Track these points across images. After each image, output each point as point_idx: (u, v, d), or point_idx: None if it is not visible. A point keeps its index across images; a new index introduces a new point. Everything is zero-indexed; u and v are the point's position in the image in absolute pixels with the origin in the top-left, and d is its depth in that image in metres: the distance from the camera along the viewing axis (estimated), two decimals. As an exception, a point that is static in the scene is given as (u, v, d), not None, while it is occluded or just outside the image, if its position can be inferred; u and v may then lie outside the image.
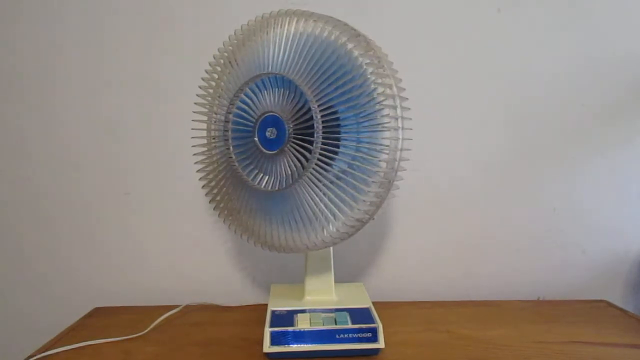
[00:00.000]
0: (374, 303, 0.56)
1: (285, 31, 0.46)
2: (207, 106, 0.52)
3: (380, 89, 0.43)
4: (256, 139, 0.46)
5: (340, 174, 0.45)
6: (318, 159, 0.44)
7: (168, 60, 0.68)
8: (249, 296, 0.70)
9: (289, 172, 0.46)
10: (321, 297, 0.57)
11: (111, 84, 0.69)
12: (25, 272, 0.72)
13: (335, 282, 0.58)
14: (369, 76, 0.43)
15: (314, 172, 0.45)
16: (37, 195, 0.71)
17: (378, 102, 0.43)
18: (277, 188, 0.47)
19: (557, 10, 0.69)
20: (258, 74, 0.46)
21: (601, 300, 0.69)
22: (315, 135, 0.44)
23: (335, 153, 0.45)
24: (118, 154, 0.70)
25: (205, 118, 0.52)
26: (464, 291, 0.73)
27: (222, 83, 0.50)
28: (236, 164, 0.48)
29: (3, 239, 0.72)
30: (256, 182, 0.47)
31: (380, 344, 0.50)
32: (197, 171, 0.52)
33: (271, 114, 0.46)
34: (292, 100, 0.45)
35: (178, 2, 0.67)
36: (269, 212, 0.49)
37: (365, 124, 0.44)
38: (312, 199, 0.46)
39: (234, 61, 0.49)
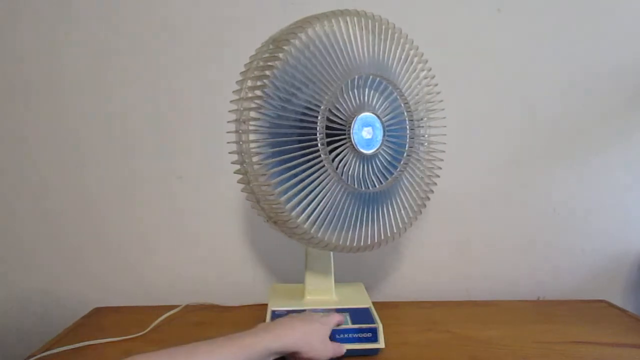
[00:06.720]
0: (374, 303, 0.56)
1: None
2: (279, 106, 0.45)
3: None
4: (354, 138, 0.45)
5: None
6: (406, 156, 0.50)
7: (176, 58, 0.68)
8: (249, 296, 0.70)
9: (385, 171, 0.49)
10: (321, 297, 0.57)
11: (119, 80, 0.69)
12: (25, 272, 0.72)
13: (335, 282, 0.58)
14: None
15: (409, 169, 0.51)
16: (38, 196, 0.71)
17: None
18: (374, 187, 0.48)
19: (557, 10, 0.69)
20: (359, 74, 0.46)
21: (601, 300, 0.69)
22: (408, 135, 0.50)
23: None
24: (121, 155, 0.70)
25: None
26: (464, 291, 0.74)
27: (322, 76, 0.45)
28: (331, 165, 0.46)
29: (4, 239, 0.72)
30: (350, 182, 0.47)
31: (380, 344, 0.50)
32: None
33: (367, 113, 0.45)
34: (388, 101, 0.48)
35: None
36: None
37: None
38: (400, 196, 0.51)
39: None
